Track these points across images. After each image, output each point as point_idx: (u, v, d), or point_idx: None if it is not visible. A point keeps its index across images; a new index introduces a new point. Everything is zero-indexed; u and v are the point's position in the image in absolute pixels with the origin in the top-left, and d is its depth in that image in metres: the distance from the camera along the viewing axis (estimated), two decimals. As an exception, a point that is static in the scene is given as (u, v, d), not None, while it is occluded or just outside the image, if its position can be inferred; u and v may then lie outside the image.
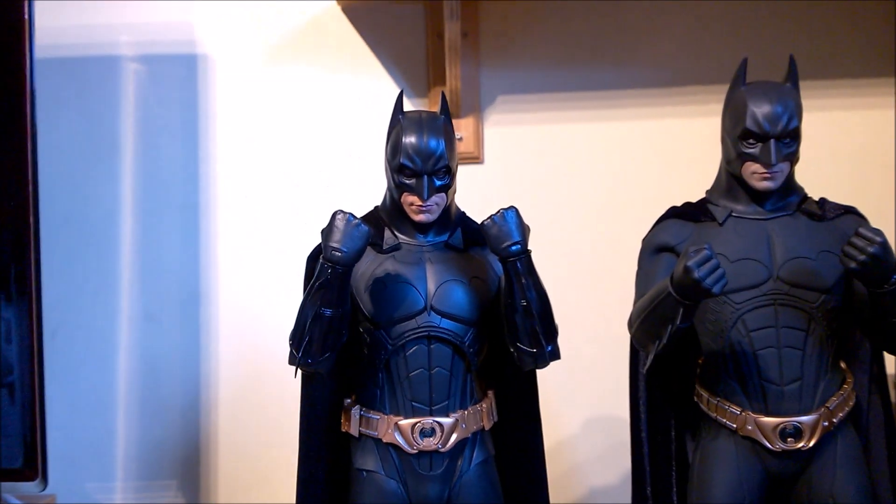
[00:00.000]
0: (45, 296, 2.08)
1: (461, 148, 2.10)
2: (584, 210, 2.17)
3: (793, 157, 1.42)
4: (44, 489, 1.88)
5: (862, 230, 1.29)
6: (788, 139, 1.40)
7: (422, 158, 1.38)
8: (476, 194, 1.70)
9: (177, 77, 2.19)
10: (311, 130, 2.19)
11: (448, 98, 2.07)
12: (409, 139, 1.38)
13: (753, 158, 1.40)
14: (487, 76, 2.17)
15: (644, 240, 1.53)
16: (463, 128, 2.13)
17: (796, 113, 1.40)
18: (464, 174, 2.06)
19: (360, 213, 1.42)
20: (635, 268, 1.53)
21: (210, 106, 2.19)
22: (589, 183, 2.17)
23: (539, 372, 1.50)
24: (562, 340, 1.43)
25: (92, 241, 2.17)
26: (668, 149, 2.16)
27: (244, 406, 2.16)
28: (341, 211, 1.34)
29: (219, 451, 2.16)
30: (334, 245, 1.31)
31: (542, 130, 2.18)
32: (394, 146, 1.41)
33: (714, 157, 1.54)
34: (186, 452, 2.17)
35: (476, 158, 2.16)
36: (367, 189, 1.55)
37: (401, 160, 1.39)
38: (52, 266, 2.11)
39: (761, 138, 1.39)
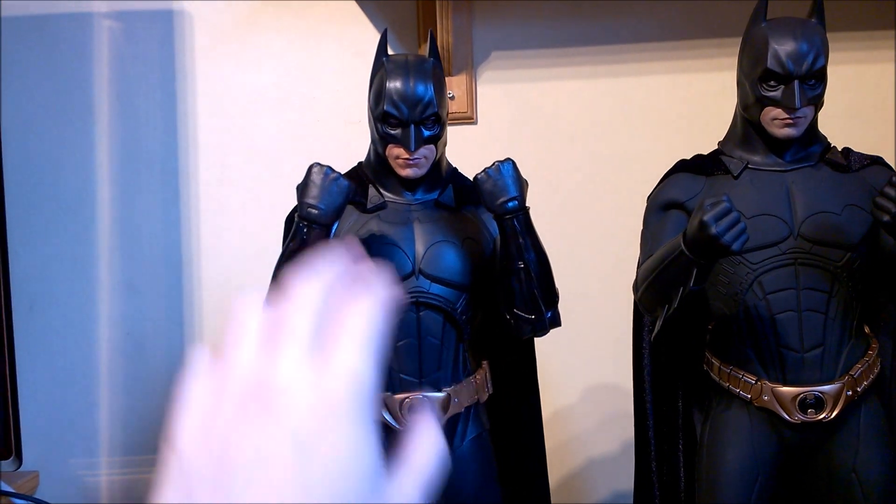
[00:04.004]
0: (19, 267, 2.01)
1: (453, 107, 2.01)
2: (584, 170, 2.06)
3: (817, 102, 1.30)
4: (18, 467, 1.82)
5: None
6: (814, 80, 1.28)
7: (408, 105, 1.26)
8: (469, 157, 1.58)
9: (154, 35, 2.07)
10: (296, 90, 2.06)
11: (440, 55, 1.98)
12: (394, 84, 1.26)
13: (774, 102, 1.28)
14: (480, 31, 2.04)
15: (650, 196, 1.42)
16: (455, 86, 2.03)
17: (823, 51, 1.27)
18: (456, 135, 1.98)
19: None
20: (640, 228, 1.42)
21: (189, 65, 2.06)
22: (589, 142, 2.06)
23: (537, 340, 1.41)
24: (562, 306, 1.33)
25: (67, 210, 2.06)
26: (671, 105, 2.04)
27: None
28: (318, 164, 1.22)
29: (206, 424, 2.09)
30: (311, 201, 1.20)
31: (539, 88, 2.05)
32: (377, 92, 1.29)
33: (722, 114, 1.43)
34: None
35: (469, 118, 2.05)
36: (358, 151, 1.45)
37: (384, 107, 1.27)
38: (26, 236, 2.02)
39: (784, 80, 1.27)
